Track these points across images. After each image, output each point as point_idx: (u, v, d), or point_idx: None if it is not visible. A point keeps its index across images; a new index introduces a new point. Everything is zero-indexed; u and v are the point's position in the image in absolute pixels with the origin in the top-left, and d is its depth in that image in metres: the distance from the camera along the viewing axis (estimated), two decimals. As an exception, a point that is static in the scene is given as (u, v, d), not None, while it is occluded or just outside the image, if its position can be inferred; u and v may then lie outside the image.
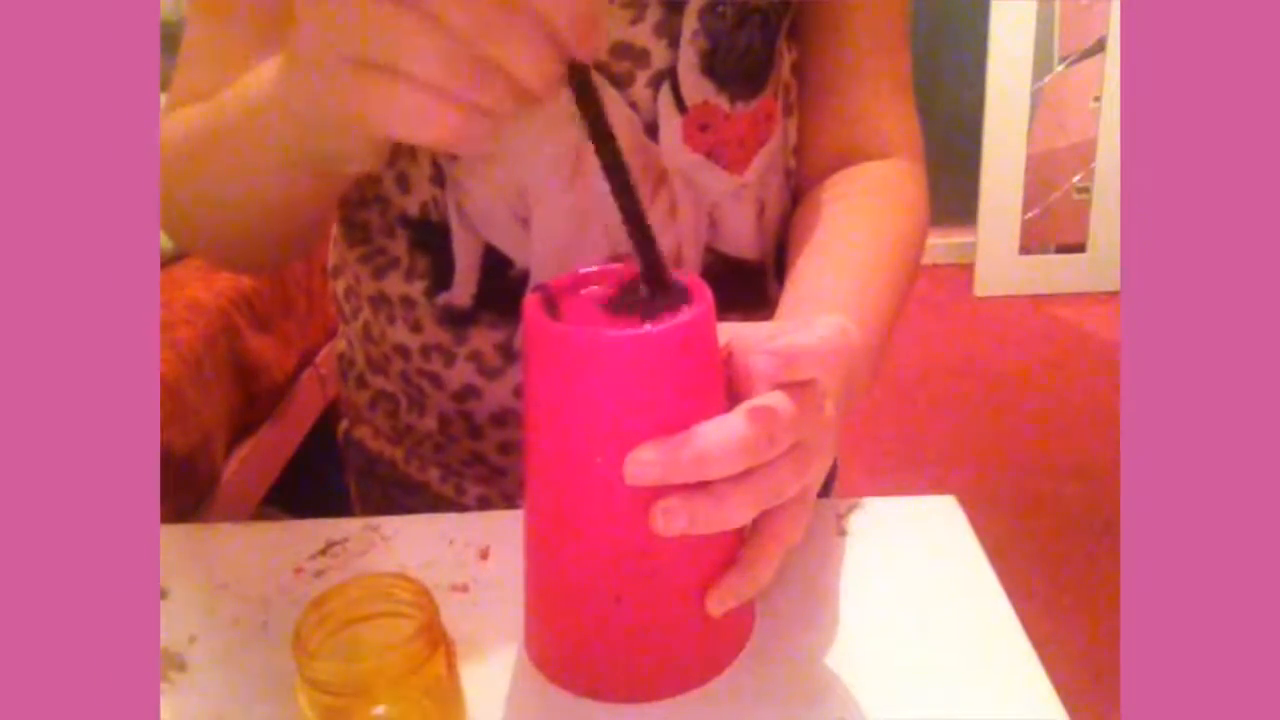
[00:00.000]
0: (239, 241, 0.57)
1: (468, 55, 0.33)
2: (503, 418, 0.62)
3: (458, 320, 0.60)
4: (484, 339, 0.60)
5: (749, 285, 0.64)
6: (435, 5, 0.33)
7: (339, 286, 0.68)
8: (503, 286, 0.59)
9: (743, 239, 0.62)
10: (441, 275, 0.59)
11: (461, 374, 0.61)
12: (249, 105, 0.46)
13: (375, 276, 0.62)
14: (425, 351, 0.62)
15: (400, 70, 0.34)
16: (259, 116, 0.45)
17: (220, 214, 0.54)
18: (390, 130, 0.36)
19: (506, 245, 0.58)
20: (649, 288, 0.41)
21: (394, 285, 0.61)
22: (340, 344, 0.71)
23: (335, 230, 0.66)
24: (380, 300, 0.63)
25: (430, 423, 0.65)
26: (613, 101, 0.55)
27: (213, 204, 0.54)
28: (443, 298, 0.60)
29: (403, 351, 0.63)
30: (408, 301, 0.61)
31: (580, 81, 0.36)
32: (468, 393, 0.62)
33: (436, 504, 0.67)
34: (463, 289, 0.59)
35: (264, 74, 0.45)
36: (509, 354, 0.60)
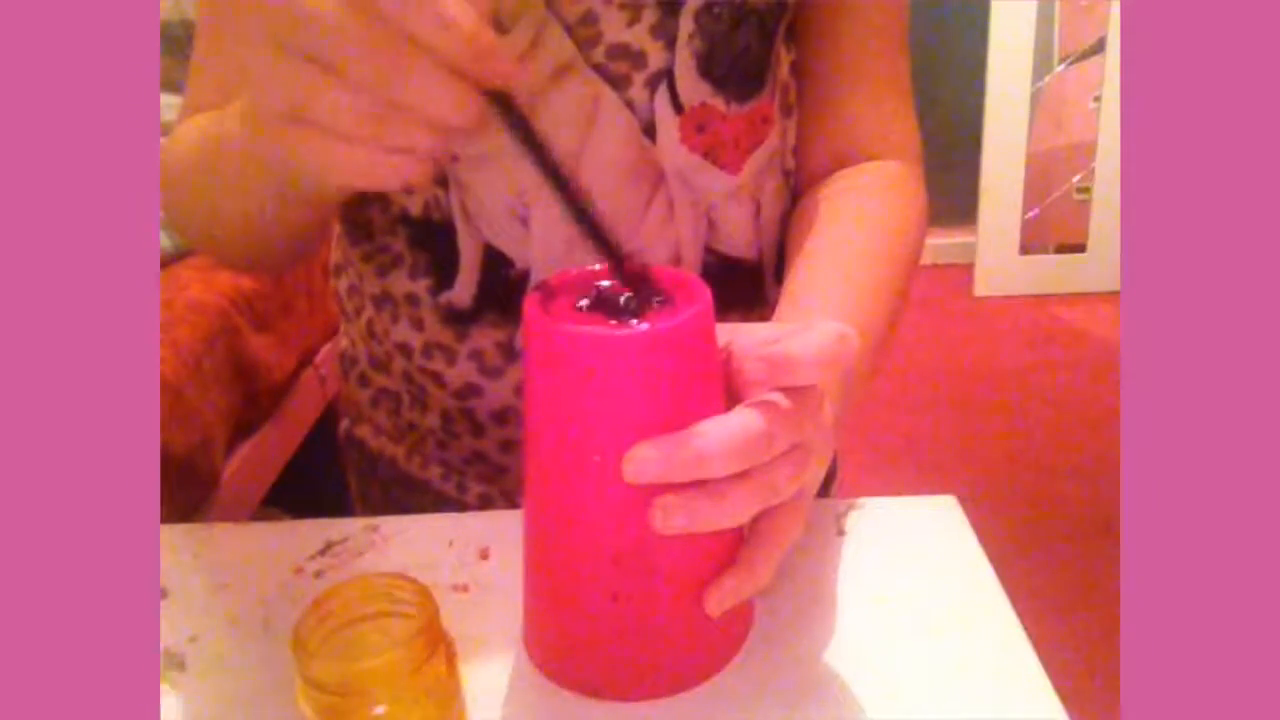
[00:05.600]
0: (243, 247, 0.58)
1: (374, 102, 0.33)
2: (504, 416, 0.62)
3: (459, 319, 0.60)
4: (485, 338, 0.60)
5: (747, 285, 0.64)
6: (334, 58, 0.33)
7: (341, 285, 0.68)
8: (503, 285, 0.59)
9: (740, 239, 0.62)
10: (443, 274, 0.60)
11: (463, 372, 0.61)
12: (229, 134, 0.47)
13: (378, 275, 0.62)
14: (427, 349, 0.62)
15: (314, 124, 0.34)
16: (239, 148, 0.45)
17: (223, 222, 0.55)
18: (327, 179, 0.36)
19: (506, 245, 0.58)
20: (621, 288, 0.41)
21: (397, 283, 0.61)
22: (342, 342, 0.71)
23: (337, 229, 0.66)
24: (383, 298, 0.63)
25: (432, 420, 0.65)
26: (610, 102, 0.55)
27: (214, 213, 0.55)
28: (445, 296, 0.60)
29: (405, 349, 0.63)
30: (411, 299, 0.61)
31: (501, 108, 0.36)
32: (469, 391, 0.62)
33: (437, 502, 0.67)
34: (464, 288, 0.59)
35: (235, 110, 0.45)
36: (510, 353, 0.60)
